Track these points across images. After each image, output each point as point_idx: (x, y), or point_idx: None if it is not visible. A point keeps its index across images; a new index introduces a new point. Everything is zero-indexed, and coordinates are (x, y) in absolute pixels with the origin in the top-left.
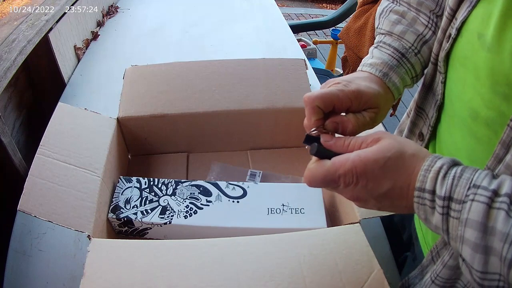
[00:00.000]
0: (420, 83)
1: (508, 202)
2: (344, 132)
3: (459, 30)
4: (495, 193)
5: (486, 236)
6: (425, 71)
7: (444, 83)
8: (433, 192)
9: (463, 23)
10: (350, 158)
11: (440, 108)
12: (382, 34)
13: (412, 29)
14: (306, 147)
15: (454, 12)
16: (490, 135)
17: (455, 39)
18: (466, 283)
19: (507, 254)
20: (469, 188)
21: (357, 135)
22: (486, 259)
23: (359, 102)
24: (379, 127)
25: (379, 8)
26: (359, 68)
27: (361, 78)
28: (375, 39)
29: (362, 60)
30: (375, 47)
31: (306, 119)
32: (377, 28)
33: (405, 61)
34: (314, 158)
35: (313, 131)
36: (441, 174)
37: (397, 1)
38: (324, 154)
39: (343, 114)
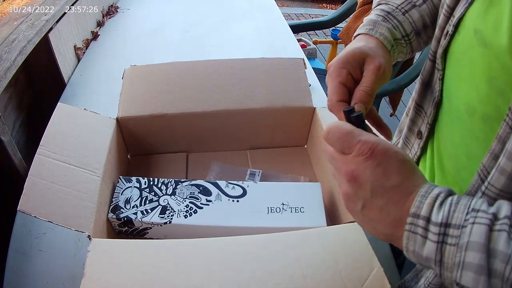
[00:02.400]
0: (418, 81)
1: (508, 223)
2: (368, 96)
3: (456, 26)
4: (495, 216)
5: (489, 259)
6: (424, 68)
7: (442, 80)
8: (427, 219)
9: (460, 19)
10: (374, 138)
11: (438, 106)
12: (374, 7)
13: None
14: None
15: (451, 10)
16: (487, 131)
17: (452, 36)
18: None
19: (510, 275)
20: (467, 213)
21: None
22: (490, 282)
23: (351, 65)
24: None
25: None
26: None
27: (350, 45)
28: None
29: None
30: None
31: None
32: (373, 8)
33: (391, 17)
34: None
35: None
36: (438, 201)
37: None
38: (361, 124)
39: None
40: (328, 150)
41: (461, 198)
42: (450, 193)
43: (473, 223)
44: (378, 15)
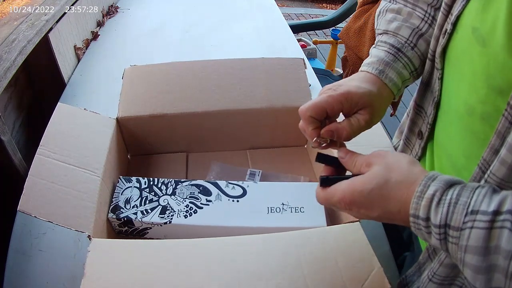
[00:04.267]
0: (419, 81)
1: (510, 220)
2: (340, 138)
3: (454, 25)
4: (496, 213)
5: (488, 257)
6: (424, 68)
7: (441, 79)
8: (427, 219)
9: (458, 18)
10: (340, 188)
11: (438, 105)
12: (380, 34)
13: (407, 24)
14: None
15: (449, 8)
16: (486, 130)
17: (450, 34)
18: (464, 282)
19: None
20: (466, 215)
21: (363, 155)
22: (489, 277)
23: (350, 104)
24: (379, 129)
25: (378, 10)
26: (359, 70)
27: (354, 79)
28: (375, 39)
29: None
30: (374, 47)
31: (304, 126)
32: (376, 29)
33: (401, 55)
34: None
35: (315, 141)
36: (434, 202)
37: (393, 0)
38: (327, 183)
39: (339, 120)
40: (321, 203)
41: (460, 195)
42: (448, 186)
43: (472, 227)
44: (388, 53)
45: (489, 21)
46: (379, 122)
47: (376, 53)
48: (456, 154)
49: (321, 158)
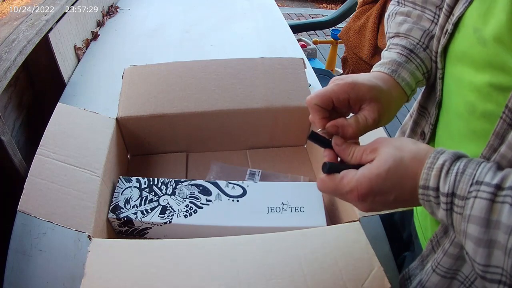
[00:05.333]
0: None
1: None
2: (345, 136)
3: (455, 25)
4: (498, 187)
5: (489, 230)
6: None
7: (442, 79)
8: (437, 189)
9: (459, 18)
10: (355, 177)
11: (440, 105)
12: (391, 37)
13: (418, 26)
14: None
15: (451, 9)
16: (487, 129)
17: (451, 34)
18: (467, 275)
19: None
20: (471, 185)
21: (360, 145)
22: (489, 252)
23: (356, 94)
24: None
25: (386, 14)
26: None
27: (365, 74)
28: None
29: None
30: (385, 50)
31: (311, 117)
32: (386, 33)
33: (414, 56)
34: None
35: (320, 131)
36: (443, 171)
37: (402, 3)
38: (335, 170)
39: (347, 117)
40: (326, 192)
41: (467, 166)
42: (456, 158)
43: (475, 197)
44: (401, 54)
45: (491, 22)
46: None
47: (388, 55)
48: None
49: (313, 137)
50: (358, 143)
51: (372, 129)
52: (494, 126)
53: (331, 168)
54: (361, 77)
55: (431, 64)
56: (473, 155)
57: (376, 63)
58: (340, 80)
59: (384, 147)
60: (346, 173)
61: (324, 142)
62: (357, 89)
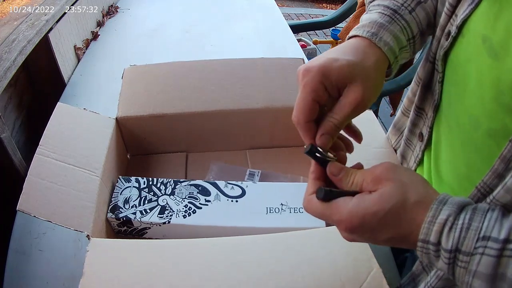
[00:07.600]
0: (419, 82)
1: None
2: (334, 134)
3: (459, 28)
4: (506, 241)
5: (495, 283)
6: (424, 69)
7: (441, 82)
8: (438, 243)
9: (464, 21)
10: (348, 208)
11: (437, 108)
12: (371, 1)
13: None
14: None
15: (453, 8)
16: (492, 146)
17: (455, 38)
18: None
19: None
20: (477, 240)
21: (361, 170)
22: None
23: (329, 83)
24: (379, 129)
25: None
26: (346, 38)
27: (333, 51)
28: None
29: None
30: (364, 14)
31: (304, 136)
32: (366, 3)
33: (398, 17)
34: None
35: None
36: (447, 227)
37: None
38: (332, 197)
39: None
40: (312, 214)
41: (472, 220)
42: (461, 209)
43: (482, 253)
44: (383, 14)
45: (501, 30)
46: (378, 122)
47: (368, 17)
48: (456, 162)
49: (311, 152)
50: (361, 167)
51: (360, 110)
52: (500, 146)
53: (327, 195)
54: (328, 58)
55: (418, 31)
56: (475, 169)
57: (354, 27)
58: (307, 71)
59: (390, 181)
60: (341, 201)
61: (322, 161)
62: (328, 75)
